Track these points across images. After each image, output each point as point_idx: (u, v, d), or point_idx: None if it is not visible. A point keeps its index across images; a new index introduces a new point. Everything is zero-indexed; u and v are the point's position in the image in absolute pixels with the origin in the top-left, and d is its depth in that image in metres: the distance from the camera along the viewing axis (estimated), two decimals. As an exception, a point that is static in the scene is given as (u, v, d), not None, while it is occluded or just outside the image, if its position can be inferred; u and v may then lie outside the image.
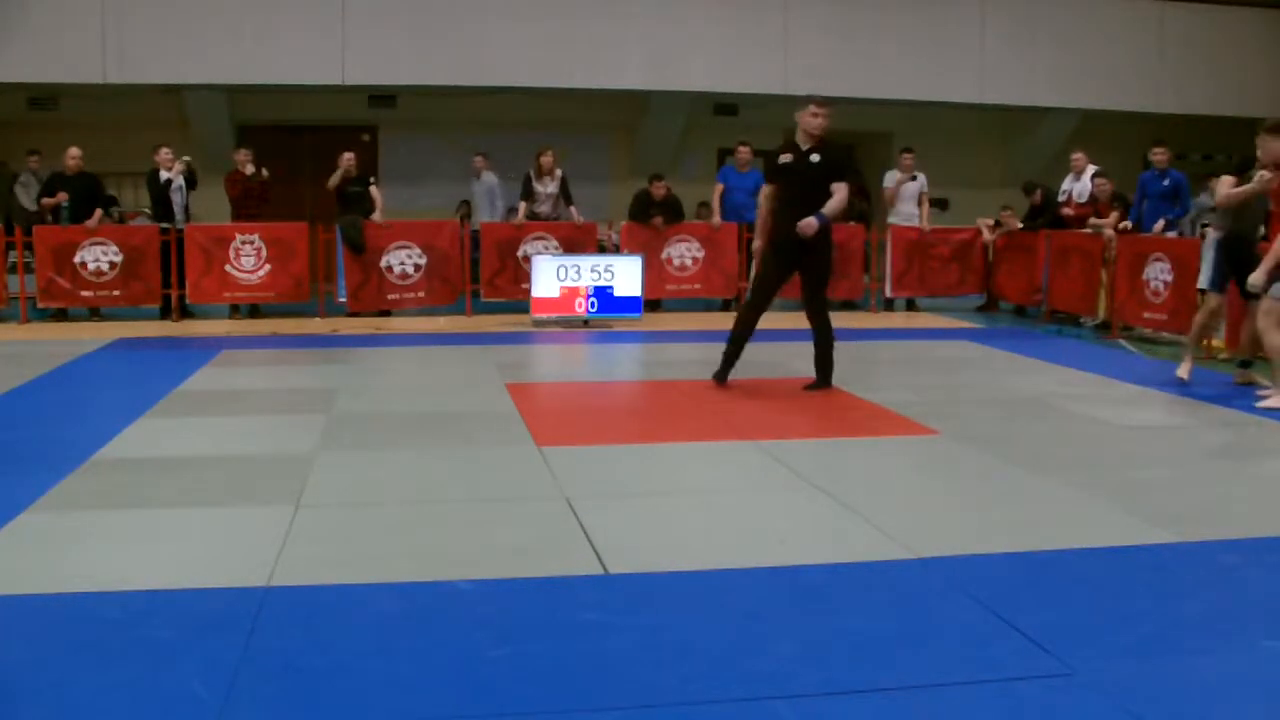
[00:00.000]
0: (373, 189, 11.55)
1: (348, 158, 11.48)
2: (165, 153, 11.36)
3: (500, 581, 3.65)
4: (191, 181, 11.53)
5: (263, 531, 4.13)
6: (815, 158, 6.91)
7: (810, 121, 6.92)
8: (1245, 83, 15.09)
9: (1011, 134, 16.25)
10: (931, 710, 2.79)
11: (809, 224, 6.70)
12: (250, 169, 11.59)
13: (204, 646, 3.09)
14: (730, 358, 7.16)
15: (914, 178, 12.54)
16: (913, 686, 2.91)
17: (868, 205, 12.99)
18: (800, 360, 7.42)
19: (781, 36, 13.99)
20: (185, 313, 11.33)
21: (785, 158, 7.00)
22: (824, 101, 6.99)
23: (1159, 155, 10.67)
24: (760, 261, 7.14)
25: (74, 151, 11.15)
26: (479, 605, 3.45)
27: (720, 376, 7.13)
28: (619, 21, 13.39)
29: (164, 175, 11.32)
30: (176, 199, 11.34)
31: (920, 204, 12.59)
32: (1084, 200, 11.55)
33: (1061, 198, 11.94)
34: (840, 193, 6.87)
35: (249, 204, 11.59)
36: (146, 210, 12.64)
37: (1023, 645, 3.17)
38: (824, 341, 7.09)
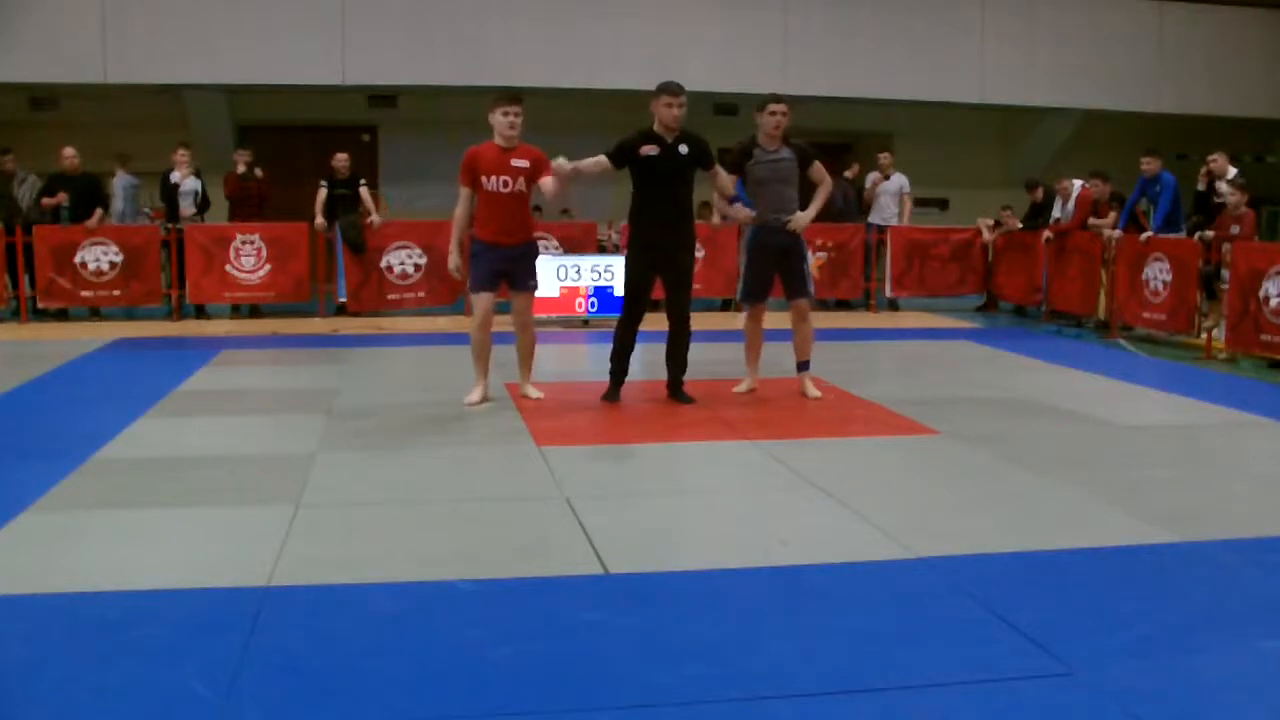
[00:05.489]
0: (363, 190, 11.53)
1: (340, 158, 11.48)
2: (181, 154, 11.37)
3: (500, 581, 3.65)
4: (205, 203, 11.56)
5: (263, 531, 4.13)
6: (684, 149, 6.47)
7: (666, 113, 6.41)
8: (1245, 83, 15.09)
9: (1011, 134, 16.24)
10: (931, 710, 2.79)
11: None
12: (242, 168, 11.58)
13: (204, 646, 3.09)
14: (618, 376, 6.80)
15: (888, 177, 12.56)
16: (913, 686, 2.91)
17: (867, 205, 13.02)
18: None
19: (781, 36, 13.99)
20: (200, 312, 11.36)
21: (649, 149, 6.42)
22: (677, 90, 6.43)
23: (1148, 165, 10.65)
24: (627, 268, 6.71)
25: (68, 151, 11.13)
26: (479, 605, 3.45)
27: (611, 397, 6.76)
28: (619, 21, 13.38)
29: (174, 177, 11.34)
30: (184, 202, 11.35)
31: (901, 204, 12.63)
32: (1068, 219, 11.56)
33: (1053, 221, 11.91)
34: (723, 175, 6.64)
35: (246, 204, 11.59)
36: (147, 210, 12.64)
37: (1023, 645, 3.17)
38: (680, 342, 6.74)
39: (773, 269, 6.85)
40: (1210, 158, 10.37)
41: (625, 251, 6.83)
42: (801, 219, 6.74)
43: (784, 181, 6.73)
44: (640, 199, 6.58)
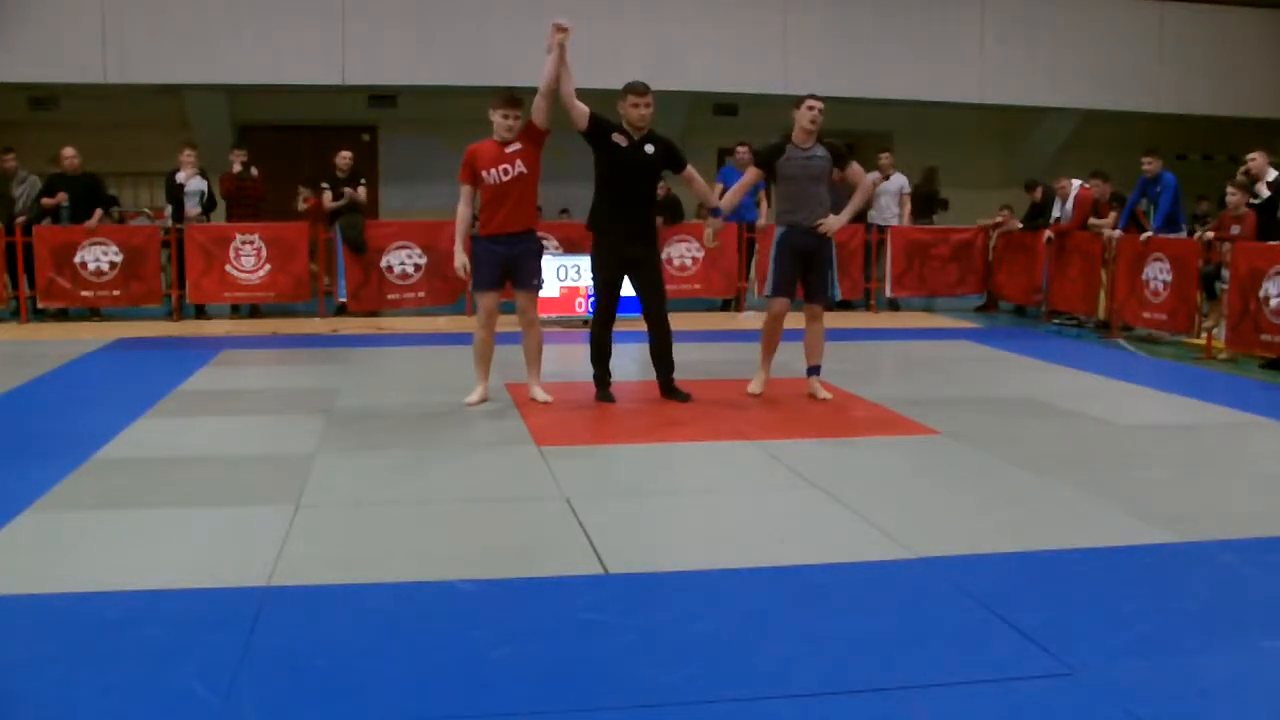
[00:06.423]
0: (360, 190, 11.54)
1: (344, 155, 11.48)
2: (187, 154, 11.36)
3: (500, 581, 3.65)
4: (210, 203, 11.56)
5: (263, 531, 4.13)
6: (650, 149, 6.45)
7: (633, 113, 6.41)
8: (1245, 83, 15.10)
9: (1011, 134, 16.25)
10: (931, 710, 2.79)
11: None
12: (238, 168, 11.57)
13: (204, 646, 3.09)
14: (602, 379, 6.78)
15: (888, 177, 12.58)
16: (913, 686, 2.91)
17: (866, 206, 13.02)
18: (802, 360, 7.40)
19: (781, 36, 14.00)
20: (200, 312, 11.36)
21: (619, 138, 6.42)
22: (643, 90, 6.43)
23: (1149, 165, 10.60)
24: (594, 269, 6.65)
25: (68, 151, 11.12)
26: (479, 605, 3.45)
27: (604, 398, 6.74)
28: (619, 21, 13.38)
29: (179, 177, 11.34)
30: (189, 202, 11.36)
31: (901, 204, 12.64)
32: (1067, 220, 11.57)
33: (1053, 221, 11.91)
34: (699, 182, 6.66)
35: (242, 204, 11.58)
36: (147, 211, 12.65)
37: (1023, 645, 3.17)
38: (663, 340, 6.69)
39: (798, 269, 6.74)
40: (1250, 156, 10.04)
41: (590, 252, 6.70)
42: (834, 222, 6.64)
43: (815, 180, 6.65)
44: (603, 198, 6.54)
